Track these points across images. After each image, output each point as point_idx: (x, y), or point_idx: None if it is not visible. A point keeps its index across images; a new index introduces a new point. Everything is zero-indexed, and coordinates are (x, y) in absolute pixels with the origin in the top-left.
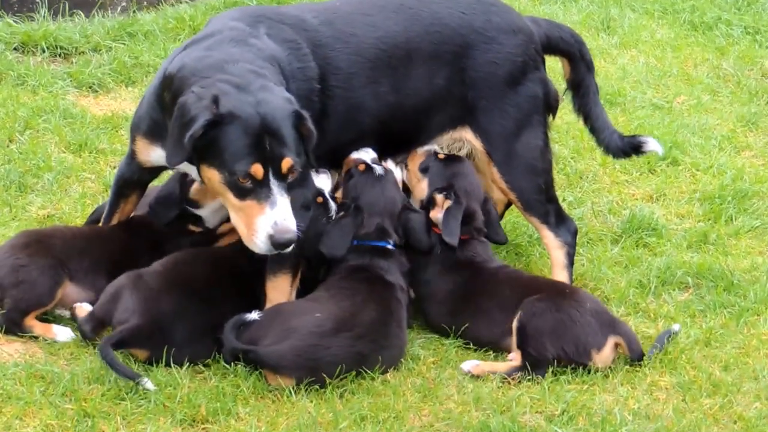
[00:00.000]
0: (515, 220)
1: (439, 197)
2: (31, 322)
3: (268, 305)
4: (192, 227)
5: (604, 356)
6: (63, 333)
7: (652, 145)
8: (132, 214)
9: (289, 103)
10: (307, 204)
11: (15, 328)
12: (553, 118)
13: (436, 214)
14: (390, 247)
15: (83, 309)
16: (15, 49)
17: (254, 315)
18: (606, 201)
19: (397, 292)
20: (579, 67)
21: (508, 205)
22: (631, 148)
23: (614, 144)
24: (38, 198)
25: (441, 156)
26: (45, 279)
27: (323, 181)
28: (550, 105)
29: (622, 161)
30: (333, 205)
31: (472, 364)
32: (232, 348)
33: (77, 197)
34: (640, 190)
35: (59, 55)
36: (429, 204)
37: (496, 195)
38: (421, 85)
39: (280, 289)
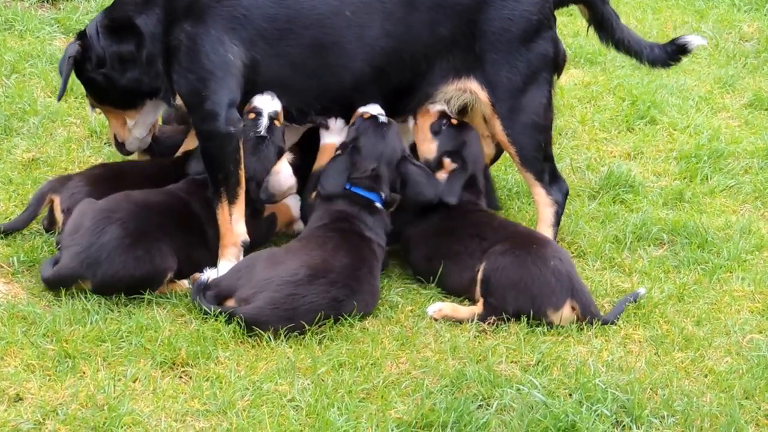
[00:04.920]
0: (494, 174)
1: (447, 160)
2: None
3: (221, 239)
4: None
5: (561, 316)
6: None
7: (695, 41)
8: None
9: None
10: None
11: None
12: (558, 77)
13: (441, 176)
14: (378, 204)
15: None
16: None
17: (210, 273)
18: (584, 157)
19: (372, 245)
20: (595, 3)
21: (493, 161)
22: (676, 53)
23: (660, 58)
24: (23, 141)
25: (454, 121)
26: None
27: (265, 99)
28: (558, 64)
29: (601, 119)
30: (264, 122)
31: (435, 308)
32: (205, 311)
33: (62, 141)
34: (618, 148)
35: (47, 1)
36: (437, 165)
37: (484, 150)
38: (421, 33)
39: (222, 220)
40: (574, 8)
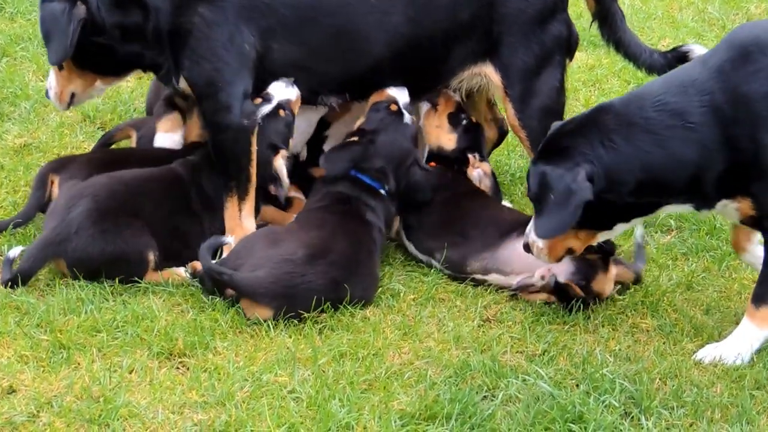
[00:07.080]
0: (497, 159)
1: (472, 157)
2: None
3: (227, 234)
4: None
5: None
6: None
7: (697, 50)
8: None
9: None
10: None
11: None
12: (570, 61)
13: (471, 172)
14: (382, 191)
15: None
16: None
17: (229, 239)
18: None
19: (372, 229)
20: None
21: (496, 145)
22: (677, 61)
23: (658, 63)
24: (15, 126)
25: (473, 119)
26: None
27: (278, 87)
28: (571, 47)
29: None
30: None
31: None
32: (208, 269)
33: (55, 126)
34: None
35: None
36: (457, 159)
37: (486, 134)
38: (441, 18)
39: (230, 215)
40: None
